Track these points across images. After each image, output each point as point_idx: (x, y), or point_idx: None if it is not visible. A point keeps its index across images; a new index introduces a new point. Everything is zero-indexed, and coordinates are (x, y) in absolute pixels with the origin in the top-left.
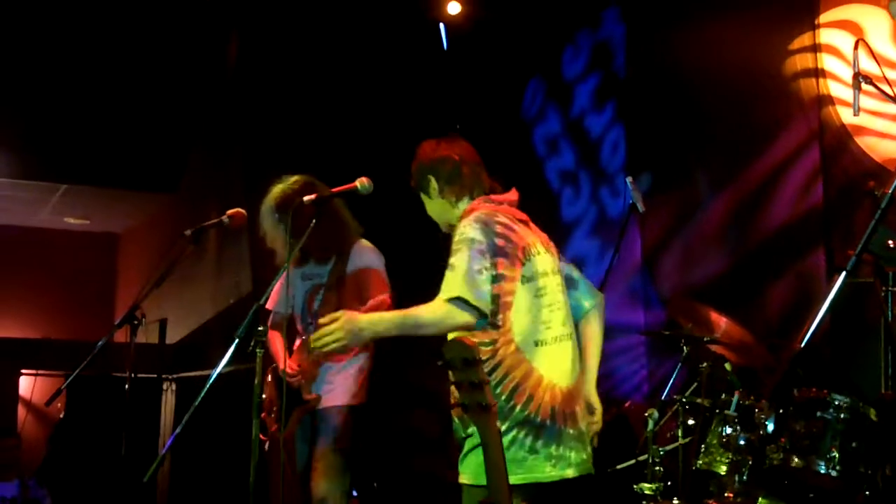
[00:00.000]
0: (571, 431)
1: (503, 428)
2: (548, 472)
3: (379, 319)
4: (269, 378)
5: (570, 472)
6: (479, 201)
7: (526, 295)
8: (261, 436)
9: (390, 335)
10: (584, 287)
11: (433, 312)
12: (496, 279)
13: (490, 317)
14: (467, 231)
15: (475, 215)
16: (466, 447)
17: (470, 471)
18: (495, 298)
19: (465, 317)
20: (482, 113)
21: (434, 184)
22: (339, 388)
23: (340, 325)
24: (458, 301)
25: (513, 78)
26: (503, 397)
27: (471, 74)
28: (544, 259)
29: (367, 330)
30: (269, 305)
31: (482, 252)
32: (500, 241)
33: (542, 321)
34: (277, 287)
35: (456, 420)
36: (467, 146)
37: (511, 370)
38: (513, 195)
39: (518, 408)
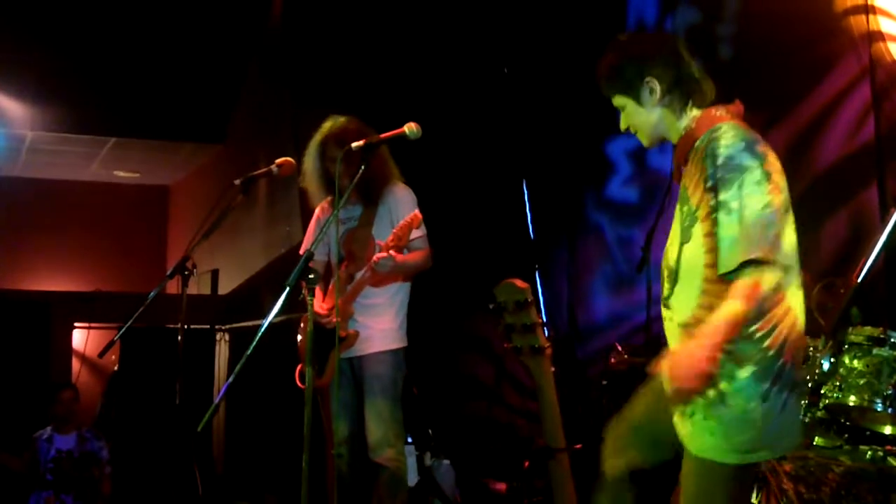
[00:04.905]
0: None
1: (772, 387)
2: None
3: (709, 335)
4: (303, 326)
5: None
6: (717, 111)
7: (789, 228)
8: (299, 384)
9: (719, 347)
10: None
11: (745, 298)
12: (777, 214)
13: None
14: (736, 155)
15: (733, 131)
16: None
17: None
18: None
19: (769, 280)
20: None
21: (655, 86)
22: (376, 334)
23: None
24: (756, 265)
25: None
26: (770, 353)
27: None
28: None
29: (704, 352)
30: (301, 250)
31: (759, 182)
32: (767, 166)
33: (797, 258)
34: (310, 231)
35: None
36: (684, 42)
37: (777, 320)
38: (739, 107)
39: (788, 365)
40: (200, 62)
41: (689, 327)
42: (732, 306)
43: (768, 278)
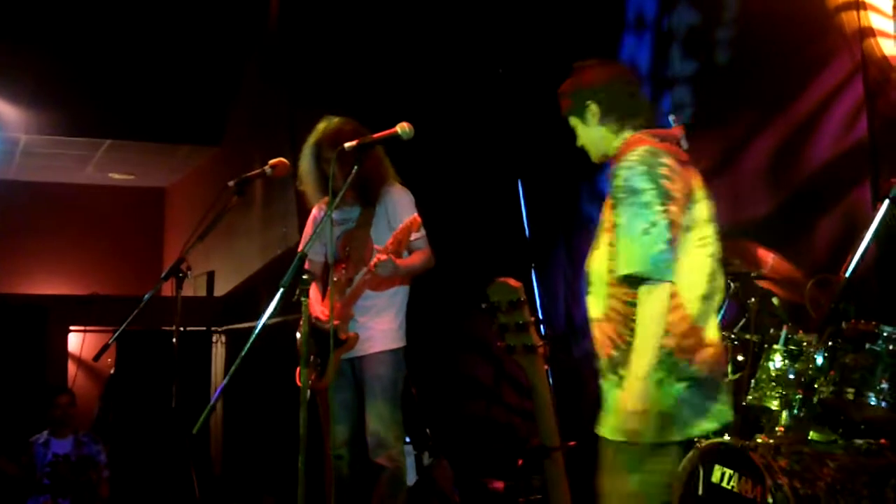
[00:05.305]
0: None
1: (667, 376)
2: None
3: (633, 377)
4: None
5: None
6: (642, 134)
7: (689, 246)
8: (300, 384)
9: (643, 386)
10: None
11: (644, 323)
12: (666, 230)
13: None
14: (631, 178)
15: (639, 155)
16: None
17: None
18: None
19: (661, 294)
20: None
21: (595, 109)
22: (377, 335)
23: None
24: (648, 282)
25: None
26: (664, 351)
27: None
28: (703, 206)
29: (632, 400)
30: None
31: (647, 204)
32: (666, 184)
33: (708, 273)
34: (307, 231)
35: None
36: (630, 72)
37: (672, 328)
38: (677, 131)
39: (683, 363)
40: (197, 64)
41: (599, 321)
42: (638, 342)
43: (657, 294)
